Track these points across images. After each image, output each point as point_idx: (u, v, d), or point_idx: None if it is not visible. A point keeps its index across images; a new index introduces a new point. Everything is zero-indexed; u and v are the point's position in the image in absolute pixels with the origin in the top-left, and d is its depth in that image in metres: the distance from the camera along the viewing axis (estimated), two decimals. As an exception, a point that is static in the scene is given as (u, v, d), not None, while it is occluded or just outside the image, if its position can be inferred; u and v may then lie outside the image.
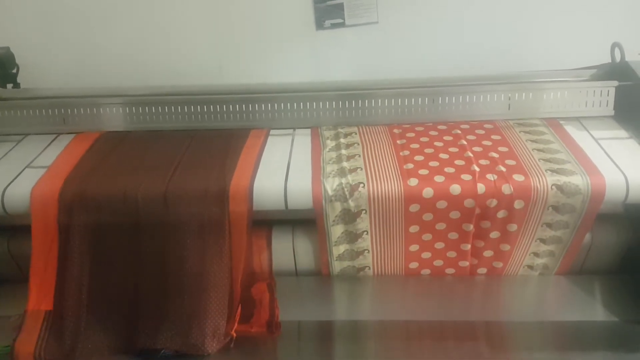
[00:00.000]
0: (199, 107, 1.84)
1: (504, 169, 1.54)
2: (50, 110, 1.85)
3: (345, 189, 1.51)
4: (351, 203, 1.51)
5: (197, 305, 1.51)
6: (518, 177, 1.51)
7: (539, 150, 1.63)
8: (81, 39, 2.18)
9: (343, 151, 1.68)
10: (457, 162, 1.58)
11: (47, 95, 1.88)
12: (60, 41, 2.19)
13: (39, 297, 1.55)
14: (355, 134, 1.78)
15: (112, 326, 1.53)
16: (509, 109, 1.79)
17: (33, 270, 1.56)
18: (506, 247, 1.58)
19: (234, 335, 1.50)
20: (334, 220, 1.53)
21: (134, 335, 1.51)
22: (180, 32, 2.18)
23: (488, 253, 1.61)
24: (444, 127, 1.77)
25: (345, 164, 1.61)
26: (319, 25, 2.17)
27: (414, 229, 1.55)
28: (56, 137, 1.83)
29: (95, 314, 1.54)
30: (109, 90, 1.90)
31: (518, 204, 1.49)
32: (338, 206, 1.51)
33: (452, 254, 1.60)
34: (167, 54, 2.20)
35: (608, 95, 1.77)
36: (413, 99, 1.81)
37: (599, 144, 1.65)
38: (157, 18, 2.16)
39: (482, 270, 1.64)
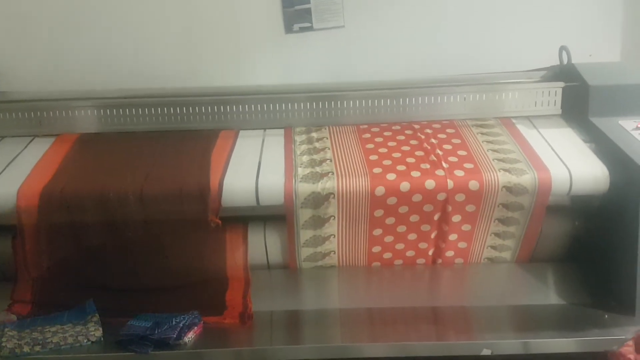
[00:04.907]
0: (171, 109, 1.91)
1: (456, 159, 1.68)
2: (26, 114, 1.90)
3: (315, 177, 1.63)
4: (320, 186, 1.61)
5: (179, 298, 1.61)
6: (469, 165, 1.65)
7: (492, 148, 1.75)
8: (54, 44, 2.21)
9: (316, 144, 1.81)
10: (417, 152, 1.73)
11: (23, 99, 1.94)
12: (33, 46, 2.21)
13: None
14: (326, 130, 1.90)
15: None
16: (464, 109, 1.91)
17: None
18: (467, 227, 1.69)
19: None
20: (302, 204, 1.61)
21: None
22: (152, 36, 2.22)
23: (453, 236, 1.71)
24: (409, 132, 1.88)
25: (315, 156, 1.73)
26: (288, 29, 2.24)
27: (378, 212, 1.64)
28: (33, 139, 1.89)
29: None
30: (83, 94, 1.97)
31: (472, 192, 1.61)
32: (308, 189, 1.61)
33: (412, 236, 1.70)
34: (139, 57, 2.23)
35: (556, 95, 1.91)
36: (376, 100, 1.92)
37: (546, 141, 1.78)
38: (128, 22, 2.21)
39: (450, 254, 1.74)
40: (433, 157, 1.69)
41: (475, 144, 1.77)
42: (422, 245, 1.72)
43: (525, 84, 1.92)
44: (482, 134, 1.82)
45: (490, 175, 1.62)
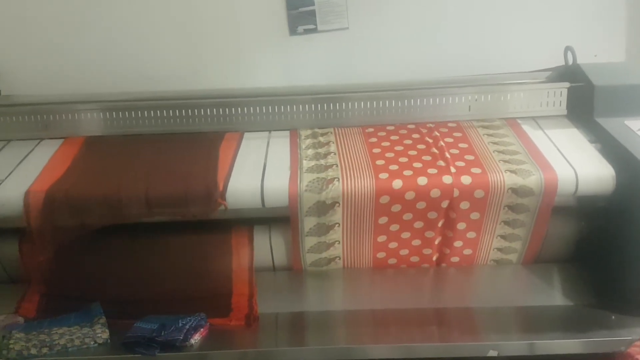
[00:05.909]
0: (176, 111, 1.92)
1: (463, 164, 1.67)
2: (32, 117, 1.91)
3: (320, 169, 1.66)
4: (323, 174, 1.64)
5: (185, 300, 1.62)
6: (475, 170, 1.64)
7: (498, 149, 1.75)
8: (56, 46, 2.22)
9: (320, 138, 1.84)
10: (419, 146, 1.76)
11: (29, 102, 1.95)
12: (36, 48, 2.22)
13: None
14: (331, 134, 1.90)
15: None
16: (469, 110, 1.91)
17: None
18: (476, 215, 1.67)
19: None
20: (307, 187, 1.62)
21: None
22: (156, 39, 2.23)
23: (458, 243, 1.72)
24: (412, 127, 1.90)
25: (320, 150, 1.76)
26: (292, 31, 2.24)
27: (384, 199, 1.63)
28: (39, 143, 1.89)
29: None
30: (88, 97, 1.98)
31: (478, 194, 1.61)
32: (311, 176, 1.63)
33: (419, 224, 1.69)
34: (142, 59, 2.24)
35: (561, 96, 1.90)
36: (381, 102, 1.92)
37: (552, 142, 1.78)
38: (132, 25, 2.21)
39: (458, 244, 1.73)
40: (435, 150, 1.72)
41: (481, 145, 1.76)
42: (429, 234, 1.72)
43: (531, 85, 1.91)
44: (486, 131, 1.83)
45: (496, 175, 1.62)
